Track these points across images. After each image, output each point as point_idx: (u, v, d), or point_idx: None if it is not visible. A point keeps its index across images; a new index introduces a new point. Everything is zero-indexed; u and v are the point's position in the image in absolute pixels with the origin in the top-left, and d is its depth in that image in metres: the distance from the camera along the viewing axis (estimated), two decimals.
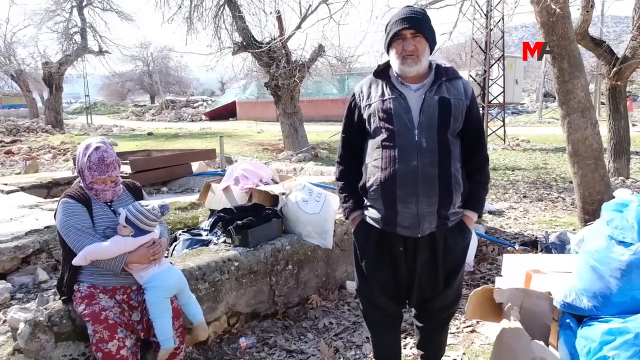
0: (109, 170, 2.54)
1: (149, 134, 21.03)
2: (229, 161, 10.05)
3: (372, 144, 2.28)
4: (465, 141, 2.30)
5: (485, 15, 14.81)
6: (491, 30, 14.84)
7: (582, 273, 2.21)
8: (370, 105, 2.28)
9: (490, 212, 6.66)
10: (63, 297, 2.58)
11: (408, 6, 2.26)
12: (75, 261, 2.45)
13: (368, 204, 2.35)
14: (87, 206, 2.55)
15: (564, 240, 4.74)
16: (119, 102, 51.78)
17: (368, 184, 2.29)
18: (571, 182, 6.73)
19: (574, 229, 5.66)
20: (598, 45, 8.27)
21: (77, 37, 23.54)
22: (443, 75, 2.24)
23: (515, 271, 2.82)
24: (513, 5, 6.73)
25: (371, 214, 2.33)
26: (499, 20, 14.84)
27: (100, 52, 23.85)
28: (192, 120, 32.66)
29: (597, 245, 2.15)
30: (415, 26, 2.16)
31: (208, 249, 3.54)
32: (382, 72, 2.31)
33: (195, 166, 7.24)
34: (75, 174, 2.66)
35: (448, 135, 2.20)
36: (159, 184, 6.47)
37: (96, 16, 23.95)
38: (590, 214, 5.80)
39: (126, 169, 5.99)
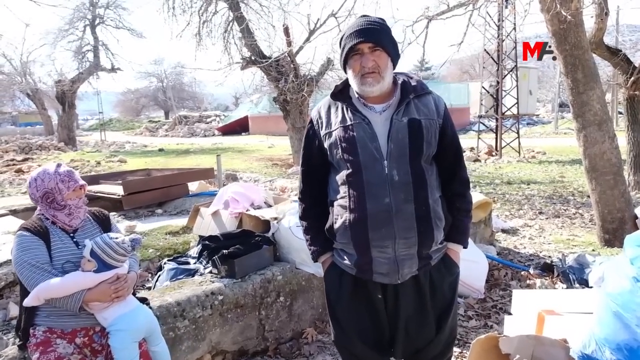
0: (79, 180, 2.41)
1: (160, 150, 21.01)
2: (234, 178, 9.84)
3: (337, 179, 1.97)
4: (441, 165, 2.00)
5: (496, 25, 14.54)
6: (503, 40, 14.54)
7: (604, 319, 1.90)
8: (330, 133, 1.95)
9: (503, 231, 6.31)
10: (19, 343, 2.33)
11: (364, 15, 1.96)
12: (27, 302, 2.20)
13: (338, 247, 2.04)
14: (44, 239, 2.30)
15: (583, 264, 4.38)
16: (134, 118, 52.12)
17: (336, 227, 1.97)
18: (589, 197, 6.37)
19: (593, 250, 5.30)
20: (614, 54, 7.94)
21: (90, 55, 23.83)
22: (411, 92, 1.94)
23: (526, 310, 2.49)
24: (523, 15, 6.45)
25: (343, 259, 2.02)
26: (512, 31, 14.54)
27: (113, 69, 24.08)
28: (205, 136, 32.71)
29: (621, 288, 1.84)
30: (373, 39, 1.85)
31: (191, 280, 3.27)
32: (341, 93, 2.00)
33: (195, 185, 7.00)
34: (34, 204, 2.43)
35: (422, 162, 1.90)
36: (154, 205, 6.23)
37: (109, 34, 24.34)
38: (610, 232, 5.45)
39: (118, 190, 5.76)
